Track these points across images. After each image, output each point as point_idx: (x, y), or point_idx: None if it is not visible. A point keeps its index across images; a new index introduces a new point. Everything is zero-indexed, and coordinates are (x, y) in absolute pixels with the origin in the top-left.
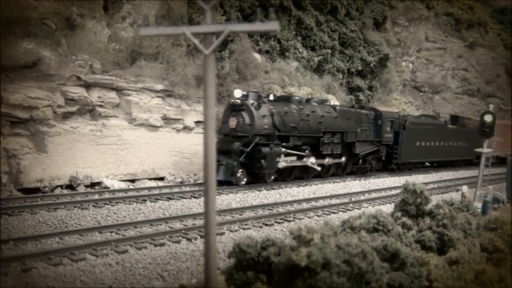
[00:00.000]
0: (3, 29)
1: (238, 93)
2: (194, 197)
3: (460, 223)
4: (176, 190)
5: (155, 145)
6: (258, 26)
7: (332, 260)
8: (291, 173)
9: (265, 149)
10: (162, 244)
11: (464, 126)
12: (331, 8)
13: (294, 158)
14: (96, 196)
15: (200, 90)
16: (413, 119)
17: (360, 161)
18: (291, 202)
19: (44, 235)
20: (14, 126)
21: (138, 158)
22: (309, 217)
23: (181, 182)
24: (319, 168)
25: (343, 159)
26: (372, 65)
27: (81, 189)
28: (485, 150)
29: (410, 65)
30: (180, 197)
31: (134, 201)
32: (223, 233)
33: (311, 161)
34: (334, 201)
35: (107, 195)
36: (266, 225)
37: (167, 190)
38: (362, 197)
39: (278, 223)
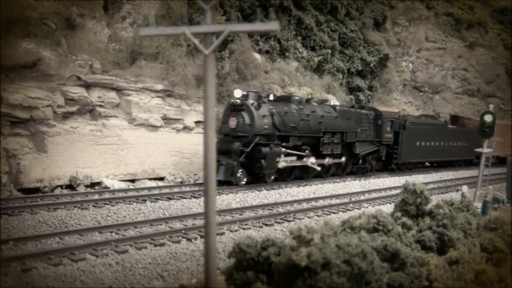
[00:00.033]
0: (3, 29)
1: (238, 93)
2: (194, 197)
3: (460, 223)
4: (176, 190)
5: (155, 145)
6: (258, 26)
7: (332, 260)
8: (291, 173)
9: (265, 149)
10: (162, 244)
11: (464, 126)
12: (331, 8)
13: (294, 158)
14: (96, 196)
15: (200, 90)
16: (413, 119)
17: (360, 161)
18: (291, 202)
19: (44, 235)
20: (14, 126)
21: (138, 158)
22: (309, 217)
23: (181, 182)
24: (319, 168)
25: (343, 159)
26: (372, 65)
27: (81, 189)
28: (485, 150)
29: (410, 65)
30: (180, 197)
31: (134, 201)
32: (223, 233)
33: (311, 161)
34: (334, 201)
35: (107, 195)
36: (266, 225)
37: (167, 190)
38: (362, 197)
39: (278, 223)
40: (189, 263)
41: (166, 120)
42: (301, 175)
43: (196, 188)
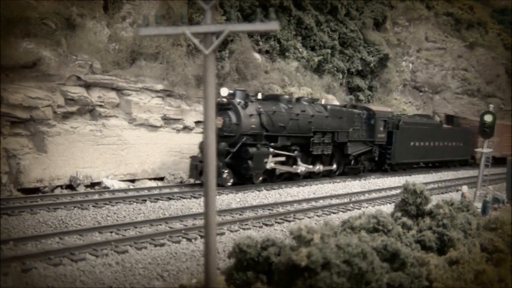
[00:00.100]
0: (3, 29)
1: (224, 91)
2: (194, 197)
3: (460, 223)
4: (176, 190)
5: (155, 145)
6: (258, 26)
7: (332, 260)
8: (281, 174)
9: (252, 150)
10: (162, 244)
11: (460, 126)
12: (331, 8)
13: (283, 158)
14: (96, 196)
15: (200, 90)
16: (407, 119)
17: (352, 161)
18: (291, 202)
19: (44, 235)
20: (14, 126)
21: (138, 158)
22: (309, 217)
23: (181, 182)
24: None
25: (334, 166)
26: (372, 65)
27: (81, 189)
28: (485, 150)
29: (410, 65)
30: (180, 197)
31: (134, 201)
32: (223, 233)
33: (301, 169)
34: (334, 201)
35: (107, 195)
36: (266, 225)
37: (167, 190)
38: (362, 197)
39: (278, 223)
40: (189, 263)
41: (166, 120)
42: (290, 176)
43: (196, 188)
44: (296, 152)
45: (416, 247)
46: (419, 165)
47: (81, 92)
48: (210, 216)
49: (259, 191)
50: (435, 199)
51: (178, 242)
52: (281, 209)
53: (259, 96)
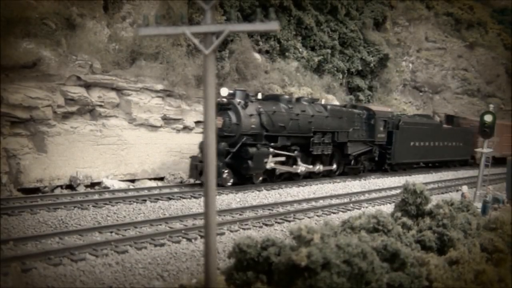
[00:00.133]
0: (3, 29)
1: (224, 91)
2: (194, 197)
3: (460, 223)
4: (176, 190)
5: (155, 145)
6: (258, 26)
7: (332, 260)
8: (281, 175)
9: (252, 150)
10: (162, 244)
11: (460, 126)
12: (331, 8)
13: (283, 158)
14: (96, 196)
15: (200, 90)
16: (407, 119)
17: (352, 161)
18: (291, 202)
19: (44, 235)
20: (14, 126)
21: (138, 158)
22: (309, 217)
23: (181, 182)
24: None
25: (334, 166)
26: (372, 65)
27: (81, 189)
28: (485, 150)
29: (410, 65)
30: (180, 197)
31: (134, 201)
32: (223, 233)
33: (301, 169)
34: (334, 201)
35: (107, 195)
36: (266, 225)
37: (167, 190)
38: (362, 197)
39: (278, 223)
40: (189, 263)
41: (166, 120)
42: (290, 176)
43: (196, 188)
44: (296, 152)
45: (416, 247)
46: (419, 165)
47: (81, 92)
48: (210, 216)
49: (259, 191)
50: (435, 199)
51: (178, 242)
52: (281, 209)
53: (259, 96)
